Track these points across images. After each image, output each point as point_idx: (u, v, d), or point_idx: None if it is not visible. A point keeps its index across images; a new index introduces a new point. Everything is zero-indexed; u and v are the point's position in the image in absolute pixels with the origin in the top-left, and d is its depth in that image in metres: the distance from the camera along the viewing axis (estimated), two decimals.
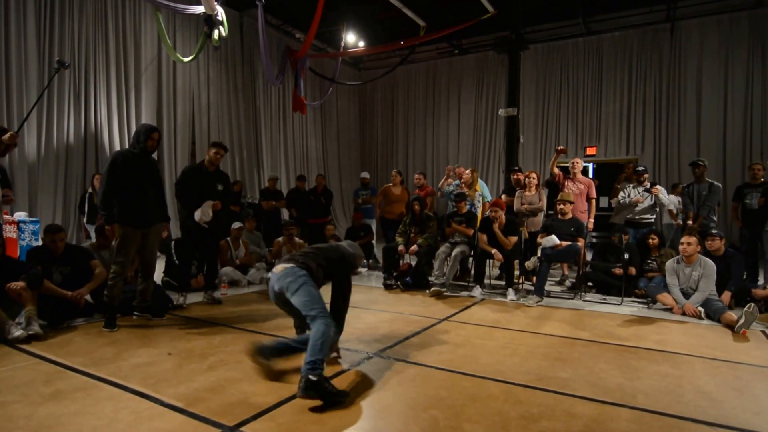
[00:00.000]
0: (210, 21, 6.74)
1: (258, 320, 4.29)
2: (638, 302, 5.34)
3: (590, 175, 11.13)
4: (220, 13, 6.71)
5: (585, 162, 8.46)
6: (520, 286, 5.90)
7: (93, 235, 5.76)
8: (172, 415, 2.36)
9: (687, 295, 4.78)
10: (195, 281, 5.52)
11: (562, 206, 5.68)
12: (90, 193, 7.47)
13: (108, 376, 2.85)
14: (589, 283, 5.94)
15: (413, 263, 6.35)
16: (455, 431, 2.24)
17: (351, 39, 11.05)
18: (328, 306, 3.00)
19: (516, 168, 7.48)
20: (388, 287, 6.00)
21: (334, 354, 3.21)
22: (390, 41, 10.99)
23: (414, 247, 6.07)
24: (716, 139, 10.79)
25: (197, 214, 4.79)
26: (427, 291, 5.70)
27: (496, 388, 2.77)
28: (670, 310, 4.83)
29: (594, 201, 6.46)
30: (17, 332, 3.47)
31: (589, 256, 6.17)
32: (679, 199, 7.22)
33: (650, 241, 5.79)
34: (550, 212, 6.59)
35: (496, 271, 6.67)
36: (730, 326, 4.17)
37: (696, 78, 10.98)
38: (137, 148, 4.16)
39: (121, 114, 9.12)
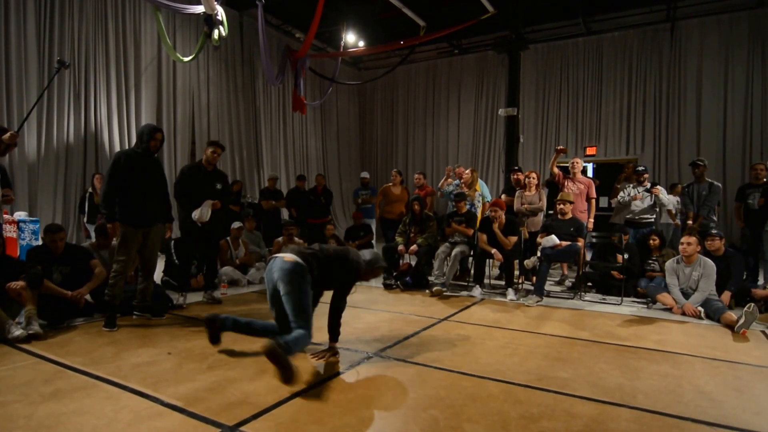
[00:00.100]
0: (210, 21, 6.73)
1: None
2: (638, 302, 5.34)
3: (590, 174, 11.12)
4: (220, 12, 6.71)
5: (585, 162, 8.45)
6: (520, 285, 5.90)
7: (93, 234, 5.76)
8: (171, 415, 2.36)
9: (687, 295, 4.78)
10: (195, 281, 5.52)
11: (561, 206, 5.68)
12: (90, 193, 7.47)
13: (108, 376, 2.85)
14: (589, 283, 5.94)
15: (413, 263, 6.35)
16: (455, 431, 2.23)
17: (351, 39, 11.05)
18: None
19: (516, 168, 7.48)
20: (387, 287, 6.00)
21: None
22: (390, 41, 10.98)
23: (414, 247, 6.07)
24: (716, 139, 10.79)
25: (195, 214, 4.79)
26: (427, 291, 5.70)
27: (495, 388, 2.77)
28: (669, 310, 4.83)
29: (594, 201, 6.46)
30: (17, 332, 3.47)
31: (588, 256, 6.17)
32: (678, 199, 7.22)
33: (651, 241, 5.78)
34: (550, 212, 6.59)
35: (495, 271, 6.67)
36: (730, 326, 4.17)
37: (696, 78, 10.98)
38: (140, 148, 4.18)
39: (121, 114, 9.12)
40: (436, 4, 10.34)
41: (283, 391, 2.64)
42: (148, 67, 9.53)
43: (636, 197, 6.37)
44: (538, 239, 5.56)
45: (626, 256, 5.71)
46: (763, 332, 4.14)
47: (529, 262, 5.59)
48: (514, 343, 3.68)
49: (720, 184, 6.68)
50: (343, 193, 14.55)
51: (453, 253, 5.83)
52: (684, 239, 4.90)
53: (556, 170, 6.53)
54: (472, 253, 6.04)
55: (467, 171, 7.13)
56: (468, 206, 6.42)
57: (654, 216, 6.42)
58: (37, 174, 7.91)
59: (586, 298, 5.50)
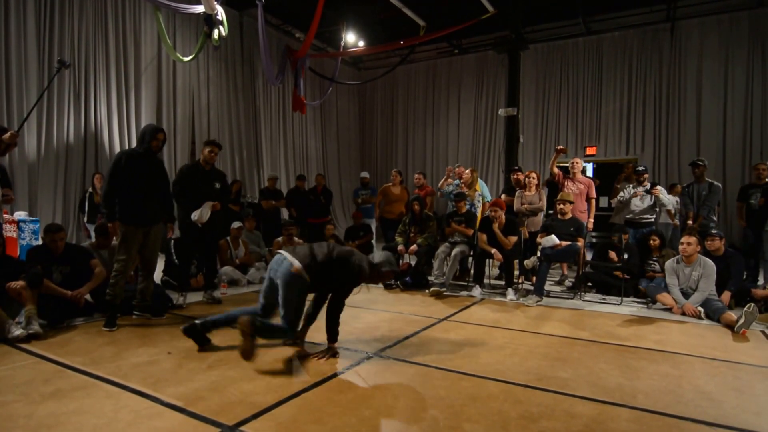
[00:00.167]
0: (210, 20, 6.73)
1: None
2: (638, 302, 5.34)
3: (590, 174, 11.12)
4: (220, 12, 6.71)
5: (585, 162, 8.45)
6: (520, 285, 5.90)
7: (93, 234, 5.76)
8: (171, 414, 2.36)
9: (687, 295, 4.78)
10: (195, 281, 5.52)
11: (561, 206, 5.68)
12: (90, 193, 7.47)
13: (108, 376, 2.85)
14: (589, 283, 5.94)
15: (413, 263, 6.35)
16: (455, 431, 2.24)
17: (351, 39, 11.05)
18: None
19: (516, 168, 7.48)
20: (387, 287, 6.00)
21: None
22: (390, 41, 10.98)
23: (413, 247, 6.07)
24: (716, 139, 10.78)
25: (195, 215, 4.79)
26: (427, 291, 5.70)
27: (495, 387, 2.77)
28: (669, 310, 4.83)
29: (594, 201, 6.46)
30: (17, 331, 3.47)
31: (588, 256, 6.17)
32: (677, 198, 7.22)
33: (651, 242, 5.78)
34: (550, 212, 6.60)
35: (495, 271, 6.68)
36: (730, 326, 4.17)
37: (696, 78, 10.97)
38: (142, 148, 4.19)
39: (121, 113, 9.11)
40: (436, 4, 10.33)
41: (283, 391, 2.64)
42: (148, 67, 9.53)
43: (637, 193, 6.37)
44: (538, 239, 5.56)
45: (625, 256, 5.71)
46: (763, 332, 4.14)
47: (529, 262, 5.59)
48: (514, 343, 3.68)
49: (720, 184, 6.68)
50: (343, 193, 14.55)
51: (453, 253, 5.83)
52: (684, 239, 4.90)
53: (556, 170, 6.53)
54: (471, 253, 6.04)
55: (467, 171, 7.13)
56: (468, 206, 6.42)
57: (654, 216, 6.42)
58: (37, 174, 7.90)
59: (585, 298, 5.50)
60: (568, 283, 6.45)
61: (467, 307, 5.03)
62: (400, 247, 6.14)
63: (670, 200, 6.64)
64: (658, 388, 2.79)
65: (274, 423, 2.29)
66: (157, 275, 4.88)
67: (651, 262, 5.72)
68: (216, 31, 6.75)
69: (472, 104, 13.83)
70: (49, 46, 7.97)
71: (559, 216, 5.72)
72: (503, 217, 5.70)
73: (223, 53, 10.98)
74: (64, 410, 2.38)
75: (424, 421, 2.33)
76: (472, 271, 6.09)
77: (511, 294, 5.41)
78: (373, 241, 8.33)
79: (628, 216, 6.49)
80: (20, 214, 6.72)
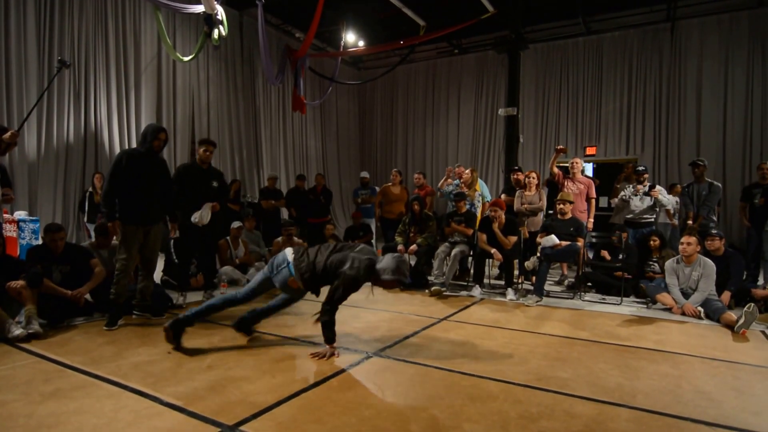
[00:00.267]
0: (210, 20, 6.74)
1: None
2: (638, 302, 5.34)
3: (590, 173, 11.11)
4: (220, 12, 6.71)
5: (585, 162, 8.46)
6: (520, 285, 5.90)
7: (93, 234, 5.76)
8: (171, 414, 2.36)
9: (686, 295, 4.78)
10: (194, 280, 5.52)
11: (561, 206, 5.68)
12: (90, 192, 7.47)
13: (108, 375, 2.85)
14: (589, 283, 5.94)
15: (413, 263, 6.35)
16: (455, 430, 2.24)
17: (351, 38, 11.04)
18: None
19: (516, 168, 7.49)
20: None
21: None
22: (390, 41, 10.98)
23: (413, 247, 6.07)
24: (716, 139, 10.78)
25: (195, 217, 4.78)
26: (427, 290, 5.70)
27: (495, 387, 2.77)
28: (669, 310, 4.83)
29: (594, 201, 6.46)
30: (17, 331, 3.47)
31: (588, 256, 6.18)
32: (677, 199, 7.22)
33: (651, 242, 5.78)
34: (550, 212, 6.60)
35: (495, 271, 6.68)
36: (730, 326, 4.17)
37: (696, 78, 10.97)
38: (143, 148, 4.20)
39: (120, 113, 9.11)
40: (435, 4, 10.33)
41: (283, 391, 2.64)
42: (148, 67, 9.53)
43: (638, 189, 6.37)
44: (538, 239, 5.57)
45: (621, 256, 5.72)
46: (763, 332, 4.14)
47: (528, 262, 5.59)
48: (514, 343, 3.68)
49: (720, 184, 6.68)
50: (342, 193, 14.55)
51: (453, 253, 5.83)
52: (684, 239, 4.91)
53: (555, 170, 6.53)
54: (471, 252, 6.04)
55: (467, 171, 7.13)
56: (468, 206, 6.42)
57: (654, 216, 6.42)
58: (37, 173, 7.90)
59: (585, 298, 5.50)
60: (567, 283, 6.45)
61: (467, 306, 5.03)
62: (400, 247, 6.13)
63: (669, 200, 6.65)
64: (658, 388, 2.79)
65: (274, 423, 2.29)
66: (157, 275, 4.88)
67: (651, 263, 5.72)
68: (216, 31, 6.76)
69: (471, 104, 13.82)
70: (49, 46, 7.97)
71: (559, 216, 5.72)
72: (503, 217, 5.70)
73: (223, 53, 10.98)
74: (64, 410, 2.38)
75: (423, 420, 2.33)
76: (471, 271, 6.09)
77: (510, 294, 5.41)
78: (373, 241, 8.33)
79: (628, 216, 6.49)
80: (20, 214, 6.73)
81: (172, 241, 5.72)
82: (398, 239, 6.29)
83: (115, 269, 4.14)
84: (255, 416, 2.34)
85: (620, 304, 5.25)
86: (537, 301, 5.17)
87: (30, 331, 3.54)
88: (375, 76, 13.11)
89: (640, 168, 6.71)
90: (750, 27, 10.44)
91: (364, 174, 9.42)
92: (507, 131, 9.51)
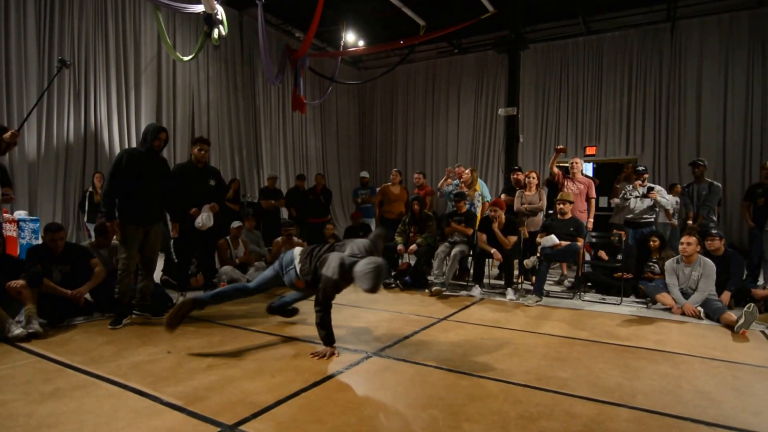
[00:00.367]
0: (210, 20, 6.74)
1: (257, 319, 4.28)
2: (637, 302, 5.34)
3: (590, 173, 11.12)
4: (220, 12, 6.71)
5: (585, 162, 8.46)
6: (520, 285, 5.90)
7: (93, 233, 5.77)
8: (171, 414, 2.36)
9: (686, 295, 4.78)
10: (194, 280, 5.52)
11: (561, 206, 5.68)
12: (90, 192, 7.47)
13: (107, 375, 2.85)
14: (589, 283, 5.94)
15: (412, 263, 6.35)
16: (454, 430, 2.24)
17: (351, 38, 11.05)
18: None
19: (516, 168, 7.49)
20: (387, 286, 6.00)
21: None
22: (389, 40, 10.99)
23: (413, 247, 6.07)
24: (716, 139, 10.79)
25: (198, 222, 4.78)
26: (427, 290, 5.70)
27: (495, 387, 2.77)
28: (669, 310, 4.83)
29: (593, 201, 6.46)
30: (17, 330, 3.47)
31: (588, 256, 6.18)
32: (677, 199, 7.22)
33: (651, 243, 5.78)
34: (550, 212, 6.60)
35: (495, 271, 6.68)
36: (730, 326, 4.17)
37: (696, 78, 10.98)
38: (144, 147, 4.20)
39: (120, 113, 9.12)
40: (435, 4, 10.34)
41: (283, 391, 2.64)
42: (148, 67, 9.53)
43: (636, 185, 6.37)
44: (538, 239, 5.57)
45: (619, 256, 5.72)
46: (763, 332, 4.14)
47: (528, 262, 5.59)
48: (514, 343, 3.68)
49: (720, 184, 6.68)
50: (342, 193, 14.56)
51: (452, 253, 5.83)
52: (684, 239, 4.90)
53: (555, 170, 6.53)
54: (471, 252, 6.04)
55: (467, 171, 7.13)
56: (467, 206, 6.42)
57: (653, 216, 6.42)
58: (37, 173, 7.91)
59: (585, 298, 5.50)
60: (567, 283, 6.45)
61: (467, 306, 5.03)
62: (400, 247, 6.14)
63: (669, 201, 6.65)
64: (658, 388, 2.79)
65: (273, 422, 2.29)
66: (157, 274, 4.88)
67: (650, 263, 5.72)
68: (216, 31, 6.76)
69: (471, 104, 13.83)
70: (49, 46, 7.98)
71: (558, 216, 5.72)
72: (503, 216, 5.70)
73: (223, 53, 10.99)
74: (64, 409, 2.38)
75: (423, 420, 2.33)
76: (471, 271, 6.09)
77: (510, 294, 5.41)
78: None
79: (627, 216, 6.49)
80: (20, 214, 6.73)
81: (172, 240, 5.73)
82: (398, 239, 6.29)
83: (115, 269, 4.15)
84: (255, 416, 2.34)
85: (620, 304, 5.24)
86: (537, 301, 5.17)
87: (30, 331, 3.54)
88: (375, 76, 13.11)
89: (640, 168, 6.72)
90: (750, 27, 10.44)
91: (364, 174, 9.42)
92: (507, 131, 9.51)
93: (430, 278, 5.92)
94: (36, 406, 2.42)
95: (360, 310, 4.67)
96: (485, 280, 6.04)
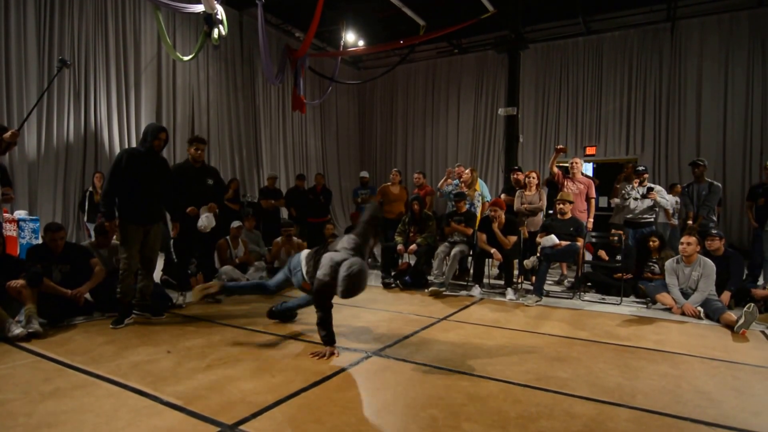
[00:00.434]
0: (210, 20, 6.74)
1: (257, 319, 4.28)
2: (637, 302, 5.34)
3: (589, 173, 11.11)
4: (220, 11, 6.71)
5: (584, 161, 8.46)
6: (519, 285, 5.90)
7: (93, 233, 5.77)
8: (171, 413, 2.36)
9: (686, 295, 4.78)
10: (194, 280, 5.51)
11: (561, 206, 5.68)
12: (90, 192, 7.47)
13: (107, 374, 2.85)
14: (588, 283, 5.94)
15: (412, 262, 6.35)
16: (454, 430, 2.24)
17: (350, 38, 11.05)
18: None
19: (516, 168, 7.49)
20: (387, 286, 6.00)
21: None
22: (389, 40, 10.99)
23: (413, 247, 6.07)
24: (716, 139, 10.79)
25: (200, 224, 4.78)
26: (426, 290, 5.70)
27: (494, 387, 2.77)
28: (669, 310, 4.83)
29: (593, 201, 6.46)
30: (17, 330, 3.47)
31: (588, 256, 6.18)
32: (677, 199, 7.22)
33: (651, 243, 5.78)
34: (550, 212, 6.60)
35: (495, 271, 6.68)
36: (730, 326, 4.17)
37: (696, 78, 10.98)
38: (144, 147, 4.20)
39: (120, 112, 9.12)
40: (435, 4, 10.33)
41: (283, 390, 2.64)
42: (148, 66, 9.54)
43: (634, 184, 6.37)
44: (538, 239, 5.57)
45: (618, 257, 5.72)
46: (763, 332, 4.14)
47: (528, 262, 5.59)
48: (513, 343, 3.68)
49: (720, 184, 6.67)
50: (342, 193, 14.56)
51: (452, 253, 5.83)
52: (684, 239, 4.90)
53: (555, 170, 6.53)
54: (471, 252, 6.04)
55: (467, 171, 7.13)
56: (467, 206, 6.42)
57: (653, 216, 6.42)
58: (37, 173, 7.91)
59: (585, 298, 5.50)
60: (567, 282, 6.45)
61: (466, 306, 5.03)
62: (400, 247, 6.14)
63: (669, 201, 6.64)
64: (658, 388, 2.79)
65: (273, 422, 2.29)
66: (157, 274, 4.88)
67: (650, 264, 5.72)
68: (216, 31, 6.76)
69: (471, 104, 13.83)
70: (49, 46, 7.97)
71: (558, 216, 5.72)
72: (503, 216, 5.70)
73: (223, 53, 10.98)
74: (63, 409, 2.38)
75: (423, 420, 2.33)
76: (471, 271, 6.09)
77: (510, 294, 5.41)
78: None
79: (627, 216, 6.49)
80: (20, 213, 6.73)
81: (172, 240, 5.72)
82: (398, 239, 6.29)
83: (114, 269, 4.15)
84: (254, 415, 2.34)
85: (620, 304, 5.24)
86: (536, 301, 5.17)
87: (30, 330, 3.54)
88: (375, 75, 13.11)
89: (640, 168, 6.71)
90: (750, 27, 10.45)
91: (364, 174, 9.42)
92: (507, 131, 9.52)
93: (430, 278, 5.92)
94: (36, 405, 2.42)
95: (360, 310, 4.67)
96: (485, 280, 6.04)
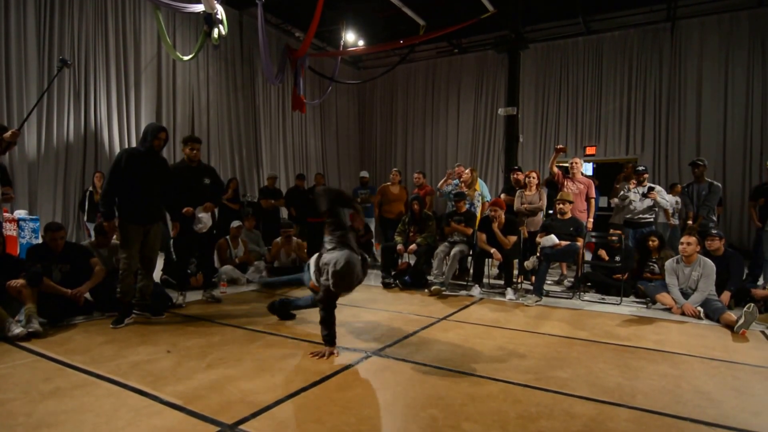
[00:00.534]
0: (210, 19, 6.74)
1: (257, 318, 4.29)
2: (637, 302, 5.34)
3: (589, 173, 11.12)
4: (220, 11, 6.71)
5: (584, 161, 8.47)
6: (519, 285, 5.90)
7: (93, 233, 5.77)
8: (171, 413, 2.36)
9: (686, 295, 4.78)
10: (194, 280, 5.52)
11: (561, 206, 5.68)
12: (90, 191, 7.47)
13: (107, 374, 2.85)
14: (588, 283, 5.94)
15: (412, 262, 6.35)
16: (454, 430, 2.24)
17: (350, 38, 11.05)
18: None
19: (516, 167, 7.49)
20: (386, 286, 6.00)
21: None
22: (389, 40, 11.00)
23: (413, 246, 6.07)
24: (716, 139, 10.79)
25: (196, 225, 4.77)
26: (426, 290, 5.70)
27: (494, 387, 2.77)
28: (669, 310, 4.83)
29: (593, 201, 6.46)
30: (17, 330, 3.47)
31: (588, 256, 6.18)
32: (677, 199, 7.21)
33: (650, 243, 5.78)
34: (550, 212, 6.60)
35: (495, 271, 6.68)
36: (730, 326, 4.17)
37: (696, 78, 10.98)
38: (144, 147, 4.20)
39: (120, 112, 9.12)
40: (435, 3, 10.34)
41: (283, 390, 2.64)
42: (148, 66, 9.54)
43: (632, 183, 6.37)
44: (538, 239, 5.57)
45: (617, 258, 5.72)
46: (763, 332, 4.14)
47: (528, 262, 5.59)
48: (513, 343, 3.68)
49: (720, 184, 6.67)
50: None
51: (452, 253, 5.84)
52: (684, 239, 4.90)
53: (555, 170, 6.53)
54: (471, 252, 6.04)
55: (467, 171, 7.13)
56: (467, 206, 6.42)
57: (653, 216, 6.42)
58: (37, 172, 7.91)
59: (585, 298, 5.50)
60: (567, 282, 6.45)
61: (466, 306, 5.03)
62: (399, 247, 6.14)
63: (669, 201, 6.64)
64: (657, 388, 2.79)
65: (273, 422, 2.29)
66: (157, 274, 4.88)
67: (650, 264, 5.72)
68: (216, 30, 6.76)
69: (471, 104, 13.83)
70: (49, 46, 7.97)
71: (558, 216, 5.72)
72: (503, 216, 5.70)
73: (223, 52, 10.98)
74: (63, 408, 2.38)
75: (423, 420, 2.33)
76: (471, 271, 6.09)
77: (510, 294, 5.41)
78: (373, 241, 8.32)
79: (627, 216, 6.49)
80: (20, 213, 6.73)
81: (172, 240, 5.72)
82: (398, 239, 6.29)
83: (114, 268, 4.15)
84: (254, 415, 2.34)
85: (620, 304, 5.24)
86: (536, 301, 5.17)
87: (30, 330, 3.54)
88: (375, 75, 13.11)
89: (640, 168, 6.71)
90: (750, 27, 10.45)
91: (364, 174, 9.41)
92: (507, 131, 9.52)
93: (430, 278, 5.92)
94: (36, 405, 2.42)
95: (360, 310, 4.67)
96: (485, 280, 6.04)
